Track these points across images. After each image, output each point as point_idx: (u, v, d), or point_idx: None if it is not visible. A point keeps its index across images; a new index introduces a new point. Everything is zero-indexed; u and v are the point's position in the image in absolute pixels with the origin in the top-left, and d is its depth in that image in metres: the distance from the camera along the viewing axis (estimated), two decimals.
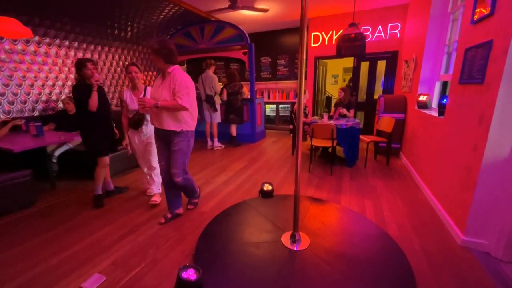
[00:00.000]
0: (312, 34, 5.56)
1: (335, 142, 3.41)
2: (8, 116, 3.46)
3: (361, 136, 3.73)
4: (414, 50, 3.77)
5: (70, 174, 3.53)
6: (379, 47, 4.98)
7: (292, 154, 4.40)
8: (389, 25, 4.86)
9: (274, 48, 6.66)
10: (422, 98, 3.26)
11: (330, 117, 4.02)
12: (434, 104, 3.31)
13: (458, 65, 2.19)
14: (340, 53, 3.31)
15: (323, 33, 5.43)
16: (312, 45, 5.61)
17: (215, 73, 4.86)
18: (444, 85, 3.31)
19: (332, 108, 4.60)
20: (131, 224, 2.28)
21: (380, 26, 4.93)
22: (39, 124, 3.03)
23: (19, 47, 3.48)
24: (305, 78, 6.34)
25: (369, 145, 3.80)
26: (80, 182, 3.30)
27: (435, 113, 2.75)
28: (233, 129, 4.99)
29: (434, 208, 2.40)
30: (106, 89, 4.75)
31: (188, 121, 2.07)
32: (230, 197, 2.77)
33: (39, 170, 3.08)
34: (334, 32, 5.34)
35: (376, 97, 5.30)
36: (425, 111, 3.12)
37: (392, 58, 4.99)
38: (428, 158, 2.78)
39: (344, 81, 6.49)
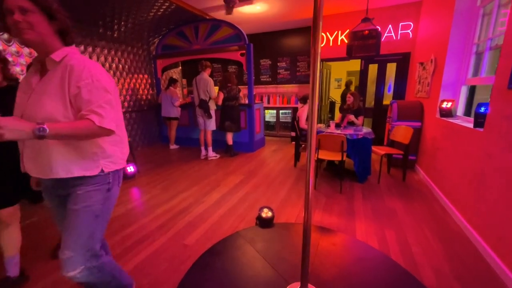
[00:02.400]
0: None
1: (344, 154, 2.95)
2: None
3: (373, 148, 3.28)
4: (433, 51, 3.34)
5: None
6: (389, 49, 4.57)
7: (294, 166, 3.94)
8: (400, 24, 4.45)
9: (275, 50, 6.26)
10: (446, 105, 2.82)
11: (337, 125, 3.58)
12: (460, 111, 2.87)
13: (506, 66, 1.74)
14: (350, 53, 2.88)
15: (327, 33, 5.02)
16: None
17: (211, 76, 4.43)
18: (472, 90, 2.87)
19: (338, 115, 4.16)
20: None
21: (390, 26, 4.52)
22: None
23: None
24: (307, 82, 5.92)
25: (383, 157, 3.35)
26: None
27: (468, 124, 2.30)
28: (229, 137, 4.54)
29: (476, 245, 1.93)
30: None
31: (113, 154, 1.11)
32: (221, 224, 2.30)
33: None
34: (340, 32, 4.93)
35: (386, 102, 4.87)
36: (451, 120, 2.68)
37: (403, 60, 4.57)
38: (460, 178, 2.32)
39: (351, 84, 6.04)
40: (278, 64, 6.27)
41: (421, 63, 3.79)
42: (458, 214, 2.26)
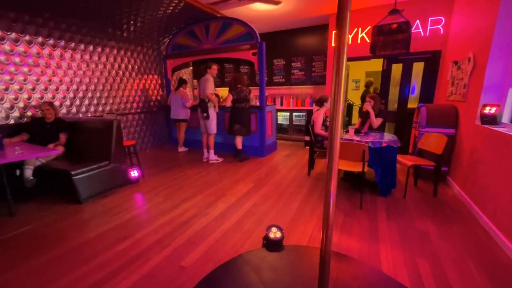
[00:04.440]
0: (333, 32, 4.79)
1: (366, 164, 2.61)
2: None
3: (399, 158, 2.90)
4: (471, 48, 2.91)
5: (40, 195, 2.97)
6: (417, 46, 4.13)
7: (308, 174, 3.62)
8: (430, 19, 4.01)
9: (289, 49, 5.96)
10: (489, 110, 2.41)
11: (357, 131, 3.22)
12: (506, 118, 2.44)
13: None
14: (374, 51, 2.54)
15: None
16: (333, 44, 4.84)
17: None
18: None
19: (358, 119, 3.80)
20: None
21: (418, 21, 4.09)
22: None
23: None
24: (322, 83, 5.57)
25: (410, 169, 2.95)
26: (48, 207, 2.71)
27: None
28: (239, 141, 4.29)
29: None
30: (98, 94, 4.24)
31: None
32: (224, 242, 2.04)
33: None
34: (360, 29, 4.55)
35: (411, 106, 4.42)
36: (496, 128, 2.27)
37: (432, 59, 4.12)
38: (509, 199, 1.91)
39: (371, 84, 5.60)
40: (292, 64, 5.97)
41: (455, 62, 3.35)
42: (507, 242, 1.86)
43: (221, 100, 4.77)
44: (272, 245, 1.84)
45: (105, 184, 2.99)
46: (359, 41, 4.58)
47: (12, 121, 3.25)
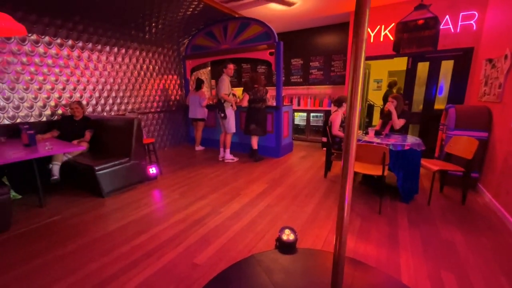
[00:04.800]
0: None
1: (386, 168, 2.48)
2: (13, 121, 3.23)
3: (423, 162, 2.73)
4: (509, 44, 2.67)
5: (67, 188, 3.16)
6: (445, 43, 3.87)
7: (324, 176, 3.52)
8: (461, 14, 3.74)
9: (307, 48, 5.86)
10: None
11: (377, 133, 3.08)
12: None
13: None
14: (398, 49, 2.41)
15: (368, 28, 4.47)
16: None
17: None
18: None
19: (379, 121, 3.64)
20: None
21: (447, 17, 3.84)
22: (32, 132, 2.67)
23: (27, 48, 3.25)
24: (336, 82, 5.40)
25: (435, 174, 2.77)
26: (74, 199, 2.88)
27: None
28: (254, 141, 4.29)
29: None
30: (121, 94, 4.44)
31: None
32: (236, 241, 2.04)
33: (30, 183, 2.71)
34: (383, 26, 4.35)
35: (438, 107, 4.16)
36: None
37: (463, 57, 3.84)
38: None
39: (395, 85, 5.34)
40: (311, 63, 5.86)
41: (490, 60, 3.09)
42: None
43: (238, 100, 4.80)
44: (285, 247, 1.81)
45: (125, 180, 3.12)
46: (381, 39, 4.39)
47: (44, 119, 3.49)
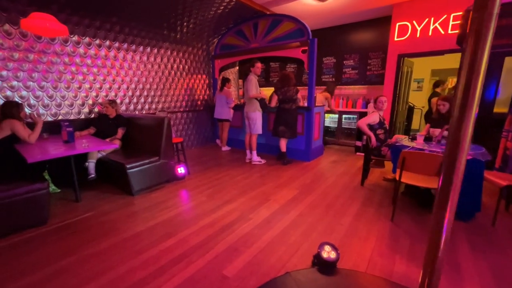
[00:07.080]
0: (397, 24, 4.24)
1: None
2: (55, 119, 3.41)
3: (487, 175, 2.33)
4: None
5: (100, 184, 3.24)
6: None
7: (361, 184, 3.22)
8: None
9: (341, 46, 5.52)
10: None
11: (427, 139, 2.72)
12: None
13: None
14: (461, 41, 2.06)
15: (414, 21, 4.05)
16: (396, 39, 4.28)
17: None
18: None
19: (426, 125, 3.24)
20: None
21: None
22: (71, 129, 2.77)
23: (69, 48, 3.41)
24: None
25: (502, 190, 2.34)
26: (106, 196, 2.93)
27: None
28: (283, 144, 4.09)
29: None
30: (152, 93, 4.52)
31: None
32: (268, 253, 1.87)
33: (68, 178, 2.81)
34: (433, 19, 3.90)
35: (498, 110, 3.61)
36: None
37: None
38: None
39: (442, 84, 4.76)
40: (344, 62, 5.50)
41: None
42: None
43: (266, 100, 4.64)
44: (325, 266, 1.60)
45: (154, 179, 3.12)
46: (430, 33, 3.93)
47: (82, 116, 3.64)
